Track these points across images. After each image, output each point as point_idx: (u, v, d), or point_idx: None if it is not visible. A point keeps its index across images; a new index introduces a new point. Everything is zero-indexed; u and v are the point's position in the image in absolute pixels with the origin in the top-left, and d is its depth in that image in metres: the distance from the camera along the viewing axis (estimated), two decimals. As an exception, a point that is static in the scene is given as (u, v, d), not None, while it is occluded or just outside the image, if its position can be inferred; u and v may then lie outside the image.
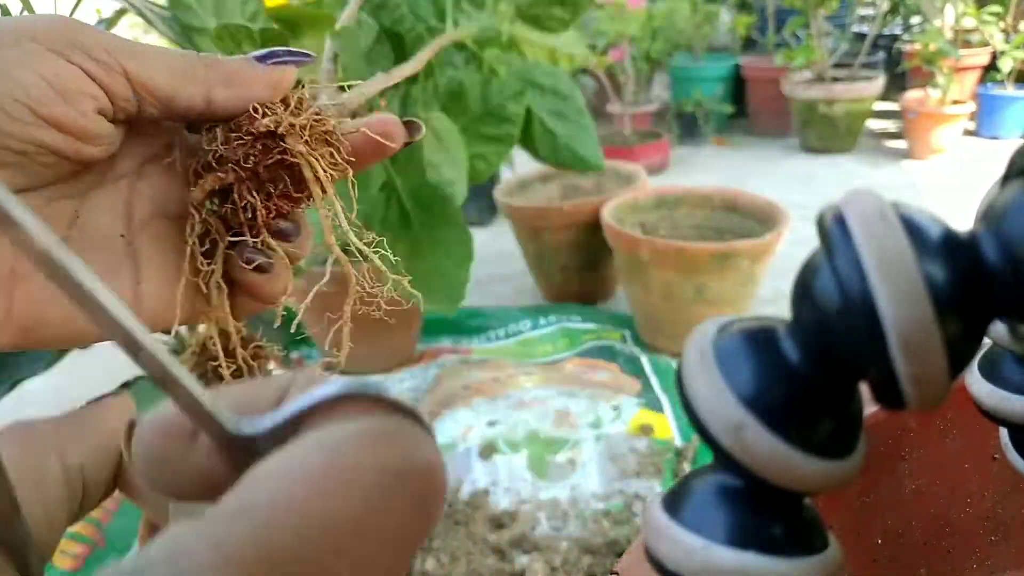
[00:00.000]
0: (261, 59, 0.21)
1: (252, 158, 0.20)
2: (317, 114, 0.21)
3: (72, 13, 0.37)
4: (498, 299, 1.22)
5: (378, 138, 0.22)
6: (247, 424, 0.10)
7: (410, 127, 0.23)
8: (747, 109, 2.15)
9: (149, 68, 0.19)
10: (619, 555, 0.62)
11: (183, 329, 0.44)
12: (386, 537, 0.09)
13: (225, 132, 0.20)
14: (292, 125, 0.20)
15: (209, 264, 0.21)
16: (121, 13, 0.39)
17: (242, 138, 0.20)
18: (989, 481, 0.27)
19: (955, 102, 1.71)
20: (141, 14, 0.23)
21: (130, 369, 0.63)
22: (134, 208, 0.21)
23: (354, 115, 0.24)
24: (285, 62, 0.21)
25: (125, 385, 0.57)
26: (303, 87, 0.22)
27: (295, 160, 0.20)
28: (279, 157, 0.20)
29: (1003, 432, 0.18)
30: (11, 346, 0.19)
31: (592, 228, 1.06)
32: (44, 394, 0.99)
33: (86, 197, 0.20)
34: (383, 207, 0.30)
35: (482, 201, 1.41)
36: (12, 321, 0.18)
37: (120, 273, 0.21)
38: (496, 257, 1.28)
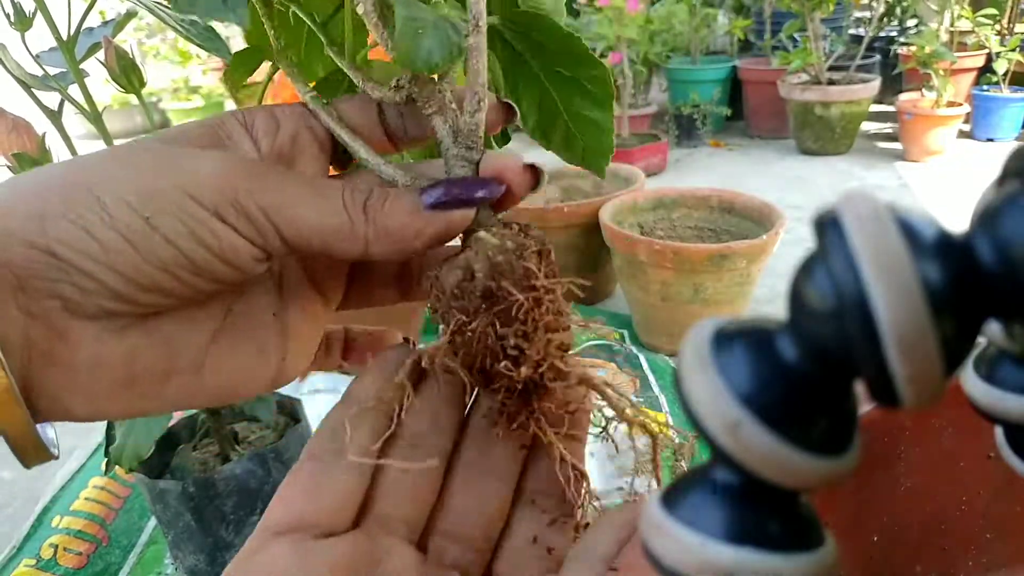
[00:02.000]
0: (435, 201, 0.19)
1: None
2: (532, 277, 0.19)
3: (84, 16, 0.37)
4: (496, 300, 1.22)
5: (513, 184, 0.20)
6: None
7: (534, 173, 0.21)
8: (744, 111, 2.15)
9: (304, 232, 0.18)
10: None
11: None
12: None
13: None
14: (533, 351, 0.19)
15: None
16: (129, 17, 0.39)
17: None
18: (984, 479, 0.27)
19: (950, 104, 1.71)
20: (158, 15, 0.22)
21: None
22: (283, 283, 0.21)
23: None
24: (462, 203, 0.19)
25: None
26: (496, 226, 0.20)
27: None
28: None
29: (998, 431, 0.18)
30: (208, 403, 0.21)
31: (591, 229, 1.06)
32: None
33: (240, 286, 0.20)
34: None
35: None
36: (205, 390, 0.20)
37: (268, 350, 0.21)
38: (494, 258, 1.28)
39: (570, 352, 0.20)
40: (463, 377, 0.19)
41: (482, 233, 0.19)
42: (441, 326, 0.20)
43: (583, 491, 0.21)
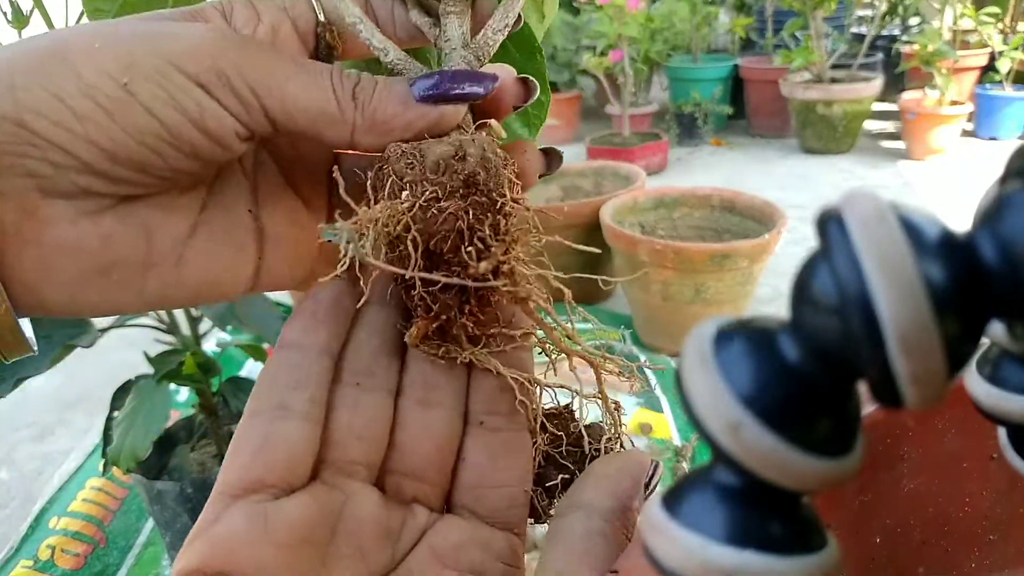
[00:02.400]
0: (427, 92, 0.18)
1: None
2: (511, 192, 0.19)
3: (81, 15, 0.37)
4: (497, 299, 1.22)
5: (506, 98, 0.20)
6: None
7: (527, 86, 0.20)
8: (746, 110, 2.15)
9: (291, 109, 0.18)
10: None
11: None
12: None
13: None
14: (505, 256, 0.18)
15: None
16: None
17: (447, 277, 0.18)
18: (987, 480, 0.27)
19: (953, 103, 1.71)
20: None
21: (131, 369, 0.63)
22: (258, 182, 0.21)
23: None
24: (454, 97, 0.19)
25: (127, 385, 0.57)
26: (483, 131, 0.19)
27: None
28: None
29: (1001, 432, 0.18)
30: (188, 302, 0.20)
31: (591, 228, 1.06)
32: (46, 392, 0.99)
33: (215, 179, 0.20)
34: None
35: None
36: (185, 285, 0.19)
37: (246, 249, 0.20)
38: (495, 257, 1.29)
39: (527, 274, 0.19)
40: (409, 251, 0.18)
41: (493, 121, 0.19)
42: (405, 193, 0.18)
43: (532, 402, 0.20)
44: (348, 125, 0.18)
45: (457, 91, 0.19)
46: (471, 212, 0.18)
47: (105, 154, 0.17)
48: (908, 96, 1.80)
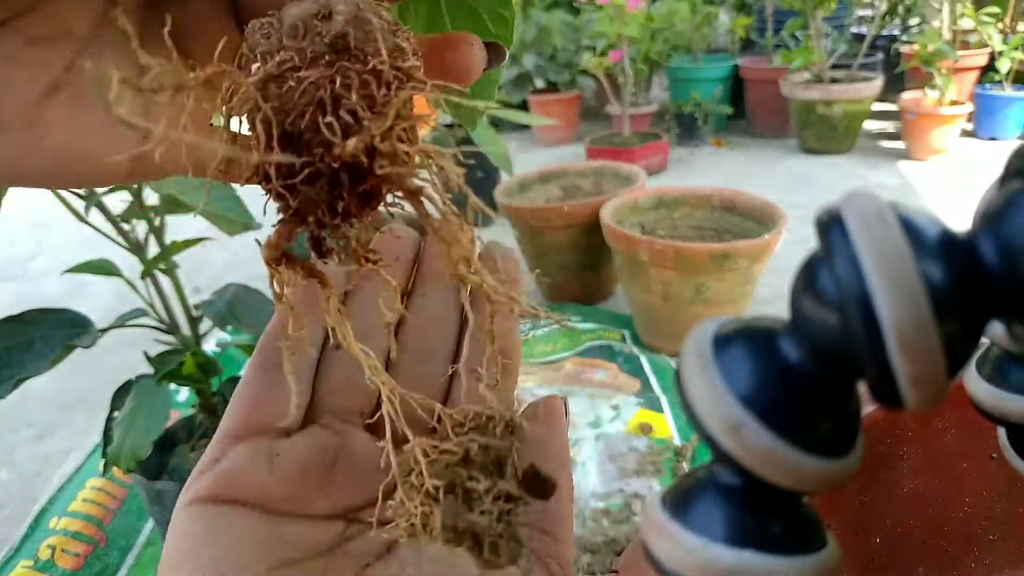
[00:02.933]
0: None
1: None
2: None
3: None
4: (497, 299, 1.22)
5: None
6: None
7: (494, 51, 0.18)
8: (746, 110, 2.15)
9: None
10: (618, 553, 0.62)
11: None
12: None
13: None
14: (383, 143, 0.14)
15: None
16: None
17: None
18: (987, 480, 0.27)
19: (953, 103, 1.71)
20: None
21: (131, 369, 0.62)
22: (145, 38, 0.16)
23: None
24: None
25: (127, 385, 0.57)
26: None
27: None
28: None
29: (1001, 432, 0.18)
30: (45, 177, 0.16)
31: (592, 228, 1.06)
32: (46, 393, 0.99)
33: (91, 29, 0.16)
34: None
35: (482, 201, 1.41)
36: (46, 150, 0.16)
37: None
38: (495, 257, 1.29)
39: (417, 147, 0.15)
40: (258, 132, 0.14)
41: None
42: (256, 66, 0.15)
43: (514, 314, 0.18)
44: None
45: None
46: (338, 80, 0.14)
47: None
48: (908, 96, 1.80)
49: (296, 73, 0.14)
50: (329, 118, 0.14)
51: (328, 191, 0.15)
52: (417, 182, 0.15)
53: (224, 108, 0.14)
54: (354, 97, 0.14)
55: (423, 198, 0.16)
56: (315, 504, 0.19)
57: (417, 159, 0.15)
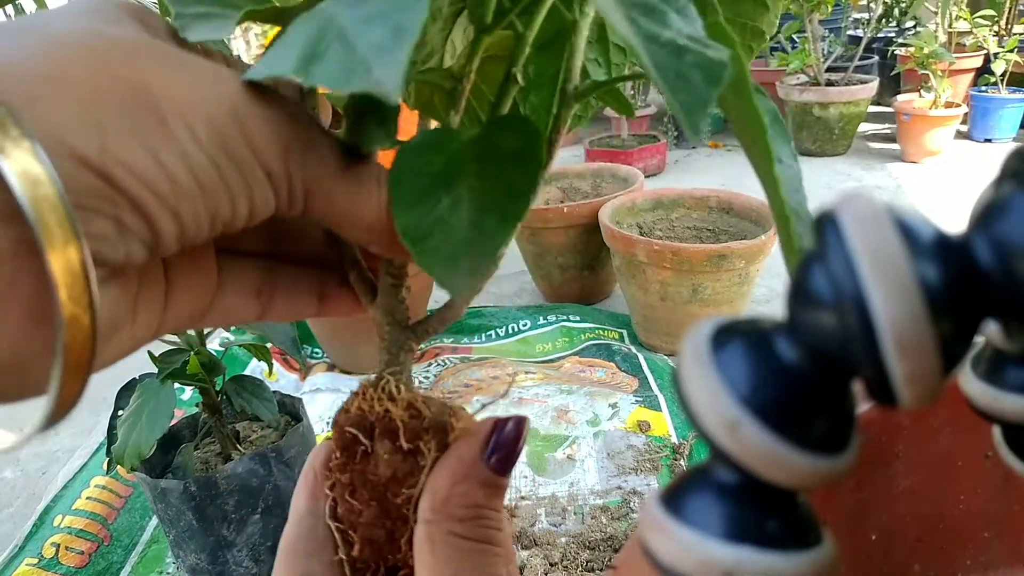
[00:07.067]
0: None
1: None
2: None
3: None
4: (498, 299, 1.22)
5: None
6: None
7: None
8: (743, 111, 2.15)
9: (333, 212, 0.16)
10: (616, 550, 0.62)
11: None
12: None
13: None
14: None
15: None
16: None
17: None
18: (982, 478, 0.27)
19: (948, 105, 1.72)
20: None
21: (135, 368, 0.63)
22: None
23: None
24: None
25: (131, 384, 0.57)
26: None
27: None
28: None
29: (996, 430, 0.18)
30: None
31: (590, 229, 1.06)
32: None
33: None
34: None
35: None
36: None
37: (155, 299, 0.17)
38: (493, 258, 1.29)
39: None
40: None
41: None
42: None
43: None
44: (379, 234, 0.17)
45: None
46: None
47: (179, 231, 0.14)
48: (903, 98, 1.80)
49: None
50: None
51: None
52: None
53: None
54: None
55: None
56: None
57: None
